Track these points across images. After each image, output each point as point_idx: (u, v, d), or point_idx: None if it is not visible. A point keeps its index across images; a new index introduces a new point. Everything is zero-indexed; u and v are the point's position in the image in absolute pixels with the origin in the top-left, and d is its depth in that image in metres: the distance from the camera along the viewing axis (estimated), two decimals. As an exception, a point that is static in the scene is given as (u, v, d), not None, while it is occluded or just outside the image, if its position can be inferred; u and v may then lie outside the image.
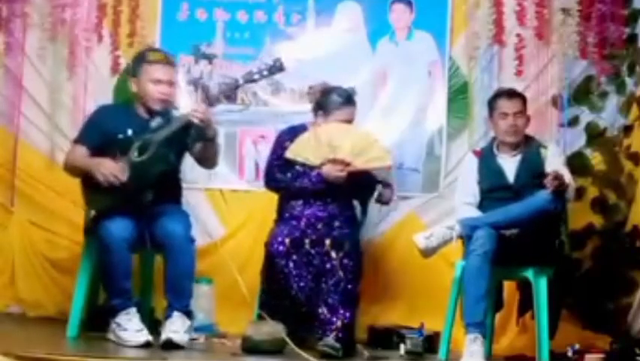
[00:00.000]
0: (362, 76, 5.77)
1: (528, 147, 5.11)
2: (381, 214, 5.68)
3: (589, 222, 5.51)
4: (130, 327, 4.78)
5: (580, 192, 5.41)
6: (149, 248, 4.97)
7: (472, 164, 5.17)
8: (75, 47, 5.90)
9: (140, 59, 5.07)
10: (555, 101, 5.65)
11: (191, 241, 4.91)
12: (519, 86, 5.48)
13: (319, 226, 5.07)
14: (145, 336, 4.76)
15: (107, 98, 5.79)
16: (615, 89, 5.62)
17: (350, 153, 5.06)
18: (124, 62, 5.87)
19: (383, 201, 5.20)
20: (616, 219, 5.51)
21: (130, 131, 4.89)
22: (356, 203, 5.26)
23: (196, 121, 4.83)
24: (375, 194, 5.13)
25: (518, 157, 5.09)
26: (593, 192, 5.56)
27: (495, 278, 4.85)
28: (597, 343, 5.16)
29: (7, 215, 5.89)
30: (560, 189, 4.80)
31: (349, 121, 5.19)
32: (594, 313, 5.35)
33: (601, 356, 4.90)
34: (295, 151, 5.12)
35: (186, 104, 5.45)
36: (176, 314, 4.81)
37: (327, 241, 4.96)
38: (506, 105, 5.08)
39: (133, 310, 4.82)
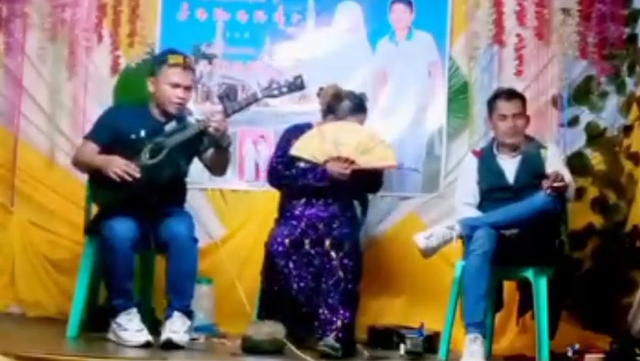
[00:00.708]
0: (362, 76, 5.77)
1: (528, 147, 5.11)
2: (382, 214, 5.69)
3: (589, 222, 5.51)
4: (130, 327, 4.78)
5: (580, 192, 5.41)
6: (152, 249, 4.97)
7: (471, 164, 5.17)
8: (75, 47, 5.90)
9: (160, 60, 5.08)
10: (555, 101, 5.65)
11: (195, 241, 4.91)
12: (519, 86, 5.48)
13: (319, 226, 5.07)
14: (145, 336, 4.76)
15: (107, 98, 5.80)
16: (615, 89, 5.62)
17: (355, 151, 5.06)
18: (124, 62, 5.88)
19: None
20: (616, 219, 5.51)
21: (143, 133, 4.89)
22: (356, 203, 5.25)
23: (212, 130, 4.84)
24: None
25: (518, 158, 5.09)
26: (593, 192, 5.56)
27: (495, 278, 4.85)
28: (597, 343, 5.16)
29: (7, 215, 5.89)
30: (560, 190, 4.79)
31: None
32: (594, 313, 5.35)
33: (601, 356, 4.90)
34: (300, 148, 5.12)
35: (197, 110, 5.45)
36: (176, 314, 4.81)
37: (327, 241, 4.96)
38: (505, 107, 5.07)
39: (134, 310, 4.82)
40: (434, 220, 5.49)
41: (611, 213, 5.53)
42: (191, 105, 5.34)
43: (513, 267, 4.87)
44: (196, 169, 5.26)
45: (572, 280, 5.21)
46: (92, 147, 4.98)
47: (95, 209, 5.08)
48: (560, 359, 4.88)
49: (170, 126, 4.92)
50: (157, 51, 5.75)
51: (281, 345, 4.76)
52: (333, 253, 4.92)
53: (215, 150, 4.97)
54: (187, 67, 5.03)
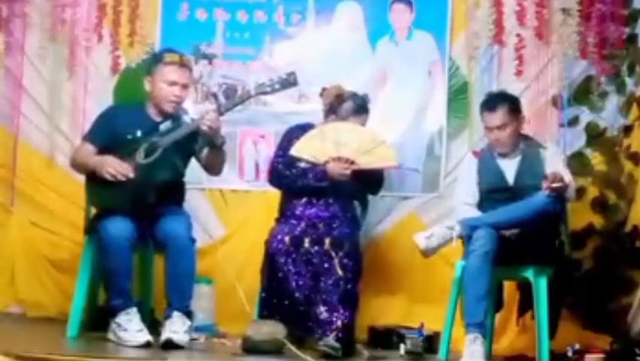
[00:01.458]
0: (362, 76, 5.77)
1: (528, 147, 5.10)
2: (382, 214, 5.69)
3: (589, 222, 5.51)
4: (130, 327, 4.78)
5: (580, 192, 5.41)
6: (151, 248, 4.97)
7: (471, 164, 5.17)
8: (75, 47, 5.90)
9: (156, 59, 5.08)
10: (555, 101, 5.65)
11: (192, 241, 4.91)
12: (519, 87, 5.49)
13: (320, 225, 5.07)
14: (145, 336, 4.76)
15: (107, 98, 5.80)
16: (615, 89, 5.63)
17: (355, 152, 5.06)
18: (124, 62, 5.88)
19: None
20: (616, 219, 5.51)
21: (139, 133, 4.89)
22: (356, 203, 5.26)
23: (205, 129, 4.83)
24: None
25: (518, 158, 5.08)
26: (593, 192, 5.56)
27: (495, 278, 4.85)
28: (597, 343, 5.16)
29: (7, 215, 5.89)
30: (559, 190, 4.79)
31: None
32: (594, 313, 5.35)
33: (601, 356, 4.90)
34: (300, 148, 5.11)
35: (196, 110, 5.45)
36: (176, 314, 4.81)
37: (327, 241, 4.96)
38: (488, 119, 5.02)
39: (133, 310, 4.82)
40: (434, 220, 5.50)
41: (611, 213, 5.53)
42: (191, 105, 5.34)
43: (513, 267, 4.87)
44: (196, 169, 5.26)
45: (572, 280, 5.21)
46: (89, 149, 4.98)
47: (94, 209, 5.08)
48: (560, 359, 4.88)
49: (165, 126, 4.91)
50: (157, 51, 5.75)
51: (281, 345, 4.76)
52: (332, 253, 4.92)
53: (209, 149, 4.97)
54: (184, 65, 5.02)
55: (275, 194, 5.32)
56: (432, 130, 5.78)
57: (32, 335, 5.13)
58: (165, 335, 4.75)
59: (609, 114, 5.63)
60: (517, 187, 5.00)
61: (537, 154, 5.08)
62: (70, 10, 5.88)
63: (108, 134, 4.95)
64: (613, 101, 5.63)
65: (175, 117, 4.96)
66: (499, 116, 5.01)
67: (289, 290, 4.93)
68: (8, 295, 5.79)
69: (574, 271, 5.32)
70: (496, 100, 5.07)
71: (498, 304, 5.16)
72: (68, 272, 5.54)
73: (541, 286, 4.81)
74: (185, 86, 5.01)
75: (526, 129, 5.23)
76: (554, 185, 4.76)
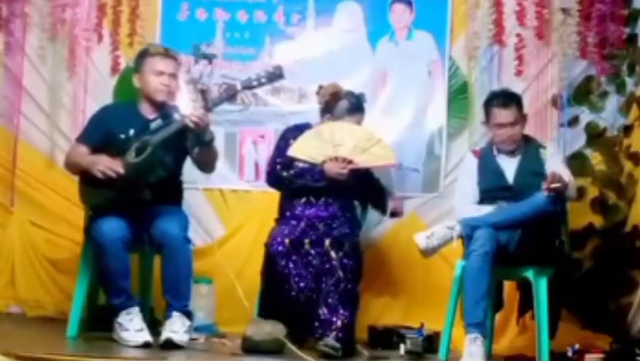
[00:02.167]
0: (362, 76, 5.77)
1: (528, 147, 5.10)
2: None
3: (589, 222, 5.51)
4: (131, 327, 4.78)
5: (580, 192, 5.40)
6: (147, 248, 4.97)
7: (471, 164, 5.17)
8: (75, 47, 5.90)
9: (142, 55, 5.09)
10: (555, 101, 5.65)
11: (187, 241, 4.90)
12: (519, 87, 5.49)
13: (319, 225, 5.07)
14: (145, 337, 4.76)
15: (107, 98, 5.79)
16: (615, 89, 5.63)
17: (352, 151, 5.06)
18: (124, 62, 5.88)
19: (397, 213, 5.22)
20: (616, 219, 5.51)
21: (132, 132, 4.89)
22: (357, 203, 5.26)
23: (191, 125, 4.82)
24: (389, 211, 5.16)
25: (518, 157, 5.09)
26: (593, 192, 5.56)
27: (495, 278, 4.85)
28: (597, 343, 5.16)
29: (7, 215, 5.89)
30: (559, 190, 4.79)
31: None
32: (594, 313, 5.36)
33: (601, 356, 4.90)
34: (298, 149, 5.11)
35: (186, 106, 5.45)
36: (175, 314, 4.81)
37: (327, 241, 4.96)
38: (502, 115, 5.03)
39: (134, 309, 4.82)
40: (434, 220, 5.49)
41: (611, 213, 5.53)
42: (190, 105, 5.34)
43: (513, 267, 4.87)
44: (195, 169, 5.26)
45: (572, 280, 5.21)
46: (82, 149, 4.98)
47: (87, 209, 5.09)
48: (559, 359, 4.88)
49: (156, 124, 4.91)
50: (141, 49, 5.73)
51: (281, 345, 4.76)
52: (332, 253, 4.92)
53: (199, 145, 4.96)
54: (169, 55, 5.04)
55: (275, 194, 5.32)
56: (432, 130, 5.78)
57: (32, 335, 5.13)
58: (165, 334, 4.75)
59: (609, 114, 5.63)
60: (517, 187, 5.00)
61: (537, 154, 5.08)
62: (70, 10, 5.88)
63: (101, 135, 4.96)
64: (613, 101, 5.63)
65: (166, 115, 4.96)
66: (512, 112, 5.04)
67: (289, 291, 4.92)
68: (8, 295, 5.79)
69: (574, 271, 5.33)
70: (508, 97, 5.10)
71: (498, 304, 5.16)
72: (68, 272, 5.54)
73: (541, 286, 4.81)
74: (172, 76, 5.01)
75: (526, 129, 5.23)
76: (554, 185, 4.76)
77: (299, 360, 4.65)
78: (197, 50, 5.90)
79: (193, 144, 4.95)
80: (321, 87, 5.28)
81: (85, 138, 5.03)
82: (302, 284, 4.93)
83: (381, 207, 5.27)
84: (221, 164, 5.68)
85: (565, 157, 5.41)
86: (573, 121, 5.65)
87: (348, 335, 4.86)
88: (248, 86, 5.01)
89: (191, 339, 4.91)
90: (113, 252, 4.77)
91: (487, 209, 4.97)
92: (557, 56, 5.64)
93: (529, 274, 4.84)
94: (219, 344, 5.10)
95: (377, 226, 5.69)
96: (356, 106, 5.20)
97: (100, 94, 5.84)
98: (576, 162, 5.53)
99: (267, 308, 4.98)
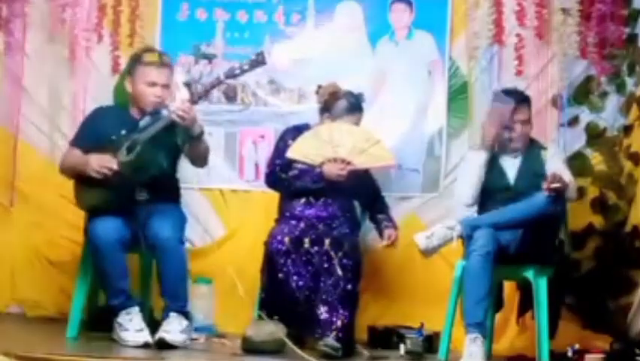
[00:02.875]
0: (362, 76, 5.77)
1: (529, 148, 5.10)
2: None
3: (589, 222, 5.51)
4: (131, 327, 4.78)
5: (580, 192, 5.40)
6: (143, 249, 4.97)
7: (479, 158, 5.11)
8: (75, 47, 5.90)
9: (136, 60, 5.08)
10: (555, 101, 5.65)
11: (181, 242, 4.89)
12: (519, 87, 5.47)
13: (319, 225, 5.07)
14: (145, 337, 4.76)
15: (107, 98, 5.78)
16: (615, 89, 5.62)
17: (351, 152, 5.06)
18: (124, 62, 5.86)
19: (392, 243, 5.21)
20: (616, 219, 5.50)
21: (123, 132, 4.90)
22: (356, 203, 5.26)
23: (178, 119, 4.82)
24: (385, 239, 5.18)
25: (519, 158, 5.09)
26: (593, 192, 5.56)
27: (495, 278, 4.85)
28: (597, 343, 5.16)
29: (7, 215, 5.89)
30: (559, 191, 4.79)
31: None
32: (594, 313, 5.35)
33: (601, 356, 4.90)
34: (296, 150, 5.11)
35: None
36: (172, 315, 4.81)
37: (327, 241, 4.96)
38: (516, 113, 5.02)
39: (134, 309, 4.82)
40: (434, 220, 5.47)
41: (611, 213, 5.52)
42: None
43: (513, 267, 4.87)
44: (196, 169, 5.26)
45: (572, 280, 5.21)
46: (76, 153, 4.99)
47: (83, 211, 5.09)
48: (559, 359, 4.88)
49: (145, 121, 4.92)
50: (137, 50, 5.72)
51: (281, 345, 4.76)
52: (332, 253, 4.92)
53: (189, 140, 4.94)
54: (163, 64, 5.01)
55: (275, 194, 5.32)
56: (432, 130, 5.78)
57: (32, 335, 5.14)
58: (158, 334, 4.75)
59: (609, 114, 5.63)
60: (518, 187, 5.00)
61: (538, 154, 5.08)
62: (70, 10, 5.88)
63: (94, 137, 4.97)
64: (613, 101, 5.62)
65: (154, 112, 4.95)
66: (524, 110, 5.05)
67: (289, 291, 4.93)
68: (8, 295, 5.79)
69: (574, 271, 5.33)
70: (523, 96, 5.12)
71: (498, 304, 5.16)
72: (68, 272, 5.53)
73: (541, 286, 4.81)
74: (165, 86, 5.00)
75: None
76: (554, 185, 4.76)
77: (299, 360, 4.65)
78: (197, 50, 5.89)
79: (184, 139, 4.93)
80: (319, 87, 5.28)
81: (78, 141, 5.05)
82: (301, 283, 4.93)
83: (376, 224, 5.27)
84: (221, 164, 5.70)
85: (565, 157, 5.40)
86: (573, 121, 5.65)
87: (348, 335, 4.86)
88: (231, 75, 5.00)
89: (191, 339, 4.91)
90: (110, 252, 4.77)
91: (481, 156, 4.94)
92: (557, 55, 5.64)
93: (529, 274, 4.84)
94: (219, 344, 5.10)
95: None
96: (355, 106, 5.20)
97: (100, 94, 5.84)
98: (576, 162, 5.53)
99: (267, 308, 4.97)
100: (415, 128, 5.78)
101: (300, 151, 5.11)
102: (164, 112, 4.95)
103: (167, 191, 5.02)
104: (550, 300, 4.80)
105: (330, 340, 4.76)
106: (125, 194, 4.83)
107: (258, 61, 4.97)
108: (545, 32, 5.66)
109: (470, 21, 5.73)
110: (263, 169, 5.64)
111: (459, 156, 5.62)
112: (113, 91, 5.86)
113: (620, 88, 5.61)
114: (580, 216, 5.44)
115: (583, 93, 5.64)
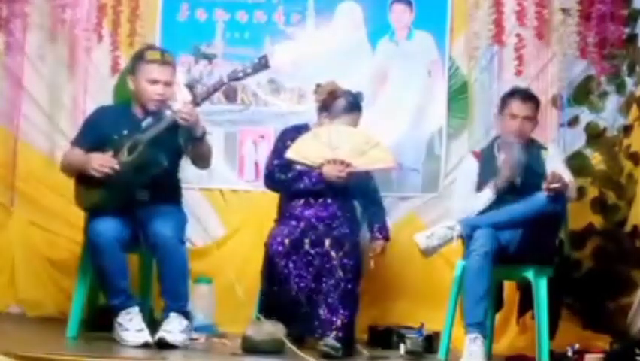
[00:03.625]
0: (362, 76, 5.77)
1: (529, 148, 5.10)
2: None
3: (589, 222, 5.50)
4: (131, 327, 4.78)
5: (580, 192, 5.40)
6: (143, 249, 4.97)
7: (471, 167, 5.13)
8: (75, 47, 5.90)
9: (138, 58, 5.07)
10: (555, 101, 5.65)
11: (181, 242, 4.89)
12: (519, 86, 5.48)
13: (319, 226, 5.07)
14: (145, 336, 4.75)
15: (107, 98, 5.79)
16: (615, 89, 5.62)
17: (350, 154, 5.06)
18: (124, 62, 5.87)
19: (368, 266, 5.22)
20: (616, 219, 5.50)
21: (125, 132, 4.90)
22: (356, 203, 5.26)
23: (180, 121, 4.82)
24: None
25: (519, 158, 5.09)
26: (593, 192, 5.55)
27: (495, 278, 4.85)
28: (597, 343, 5.16)
29: (7, 215, 5.89)
30: (559, 190, 4.79)
31: (353, 126, 5.18)
32: (594, 313, 5.35)
33: (601, 356, 4.90)
34: (296, 151, 5.11)
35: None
36: (172, 315, 4.81)
37: (327, 241, 4.96)
38: (518, 107, 5.04)
39: (134, 309, 4.81)
40: (434, 220, 5.48)
41: (611, 213, 5.52)
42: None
43: (513, 267, 4.87)
44: (196, 169, 5.26)
45: (572, 280, 5.21)
46: (77, 152, 4.98)
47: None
48: (559, 359, 4.87)
49: (147, 122, 4.92)
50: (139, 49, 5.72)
51: (281, 345, 4.76)
52: (332, 253, 4.92)
53: (192, 141, 4.94)
54: (165, 62, 4.99)
55: (275, 194, 5.32)
56: (432, 130, 5.78)
57: (32, 335, 5.14)
58: (158, 334, 4.75)
59: (609, 114, 5.63)
60: (518, 187, 5.00)
61: (538, 155, 5.08)
62: (70, 10, 5.88)
63: (95, 136, 4.96)
64: (613, 101, 5.62)
65: (156, 113, 4.95)
66: (530, 107, 5.06)
67: (290, 292, 4.92)
68: (8, 295, 5.79)
69: (574, 271, 5.32)
70: (530, 94, 5.14)
71: (498, 304, 5.16)
72: (68, 272, 5.53)
73: (541, 286, 4.81)
74: (167, 84, 4.98)
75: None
76: (554, 185, 4.76)
77: (299, 360, 4.65)
78: (197, 50, 5.90)
79: (186, 140, 4.93)
80: (318, 86, 5.28)
81: (79, 140, 5.04)
82: (302, 284, 4.93)
83: (370, 232, 5.28)
84: (221, 164, 5.69)
85: (565, 157, 5.40)
86: (573, 121, 5.65)
87: (348, 335, 4.86)
88: (234, 78, 5.00)
89: (192, 339, 4.91)
90: (109, 252, 4.76)
91: (486, 194, 4.96)
92: (557, 56, 5.64)
93: (529, 274, 4.84)
94: (219, 344, 5.10)
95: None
96: (353, 105, 5.19)
97: (100, 94, 5.84)
98: (576, 162, 5.53)
99: (267, 308, 4.97)
100: (414, 127, 5.78)
101: (299, 153, 5.11)
102: (167, 113, 4.95)
103: (169, 191, 5.02)
104: (550, 300, 4.80)
105: (330, 340, 4.76)
106: (126, 194, 4.83)
107: (262, 65, 4.98)
108: (545, 32, 5.66)
109: (470, 21, 5.74)
110: (263, 169, 5.64)
111: (459, 156, 5.63)
112: (113, 90, 5.87)
113: (620, 88, 5.61)
114: (580, 216, 5.44)
115: (583, 93, 5.64)
